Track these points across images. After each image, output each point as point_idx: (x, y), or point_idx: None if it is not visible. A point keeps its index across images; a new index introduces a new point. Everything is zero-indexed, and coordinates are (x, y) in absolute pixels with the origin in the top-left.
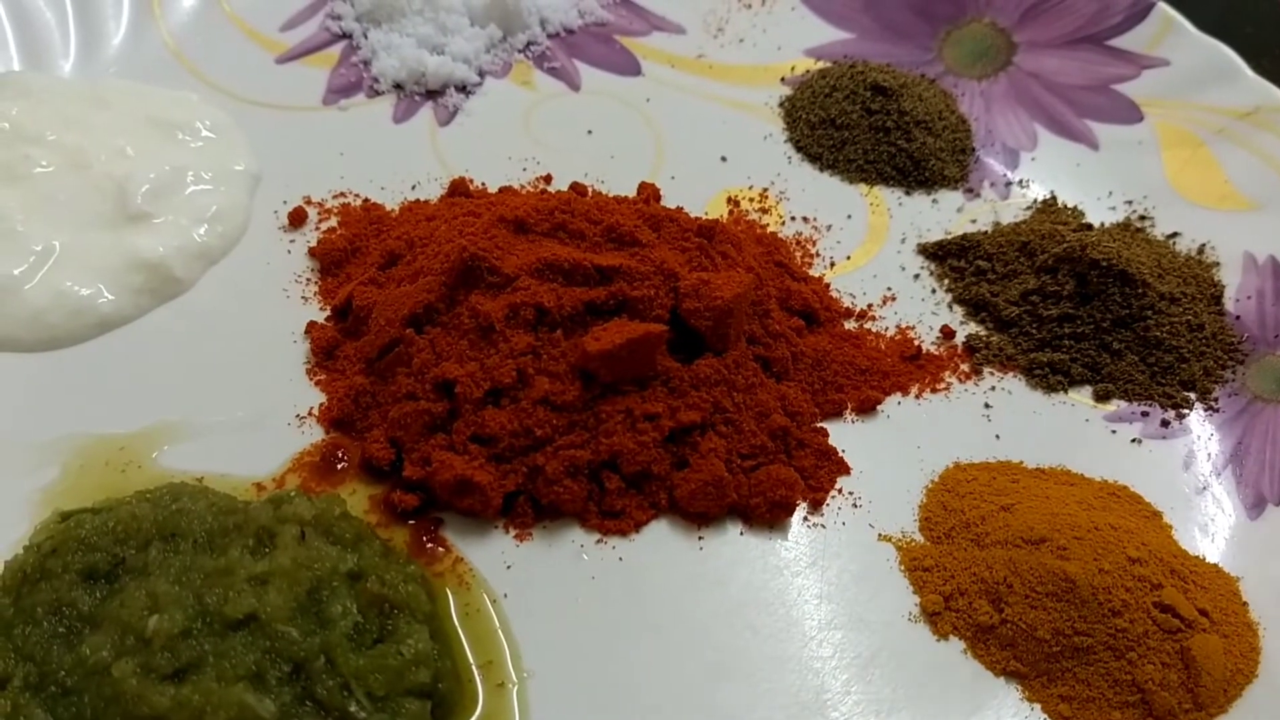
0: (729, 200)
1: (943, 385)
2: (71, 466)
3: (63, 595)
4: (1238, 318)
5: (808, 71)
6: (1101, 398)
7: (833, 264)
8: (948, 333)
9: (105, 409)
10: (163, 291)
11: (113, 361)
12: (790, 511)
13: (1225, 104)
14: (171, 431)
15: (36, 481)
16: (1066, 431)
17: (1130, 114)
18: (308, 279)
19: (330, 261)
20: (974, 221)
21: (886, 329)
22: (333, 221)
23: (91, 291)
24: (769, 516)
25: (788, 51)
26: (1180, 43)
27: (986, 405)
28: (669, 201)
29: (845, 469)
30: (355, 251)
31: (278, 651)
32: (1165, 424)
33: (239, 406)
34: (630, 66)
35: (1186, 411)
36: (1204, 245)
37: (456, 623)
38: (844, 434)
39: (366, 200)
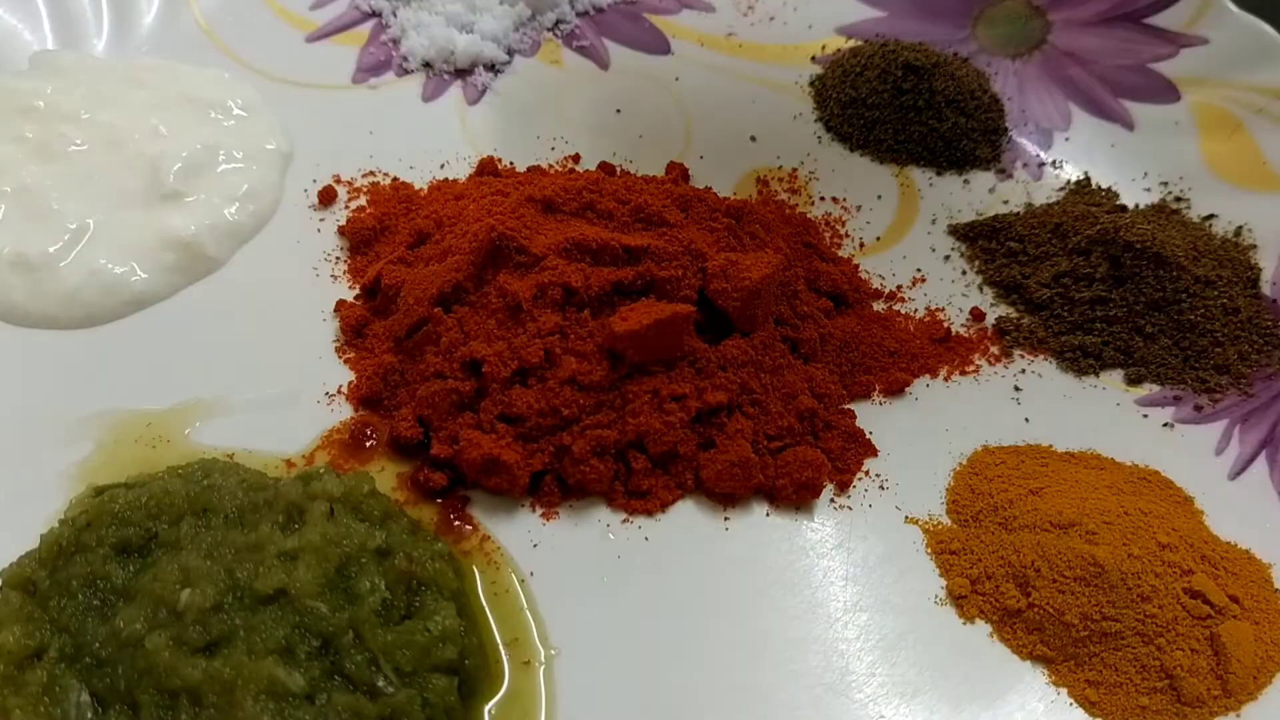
0: (758, 180)
1: (972, 368)
2: (105, 442)
3: (97, 568)
4: (1274, 301)
5: (839, 50)
6: (1133, 381)
7: (862, 245)
8: (978, 315)
9: (138, 385)
10: (195, 269)
11: (145, 339)
12: (816, 493)
13: (1265, 83)
14: (203, 408)
15: (71, 456)
16: (1097, 415)
17: (1167, 93)
18: (337, 257)
19: (359, 240)
20: (1006, 202)
21: (916, 311)
22: (362, 200)
23: (125, 269)
24: (795, 498)
25: (819, 30)
26: (1219, 21)
27: (1016, 388)
28: (698, 181)
29: (872, 451)
30: (384, 230)
31: (307, 626)
32: (1198, 408)
33: (269, 384)
34: (659, 45)
35: (1220, 396)
36: (1241, 228)
37: (483, 600)
38: (872, 416)
39: (395, 179)
